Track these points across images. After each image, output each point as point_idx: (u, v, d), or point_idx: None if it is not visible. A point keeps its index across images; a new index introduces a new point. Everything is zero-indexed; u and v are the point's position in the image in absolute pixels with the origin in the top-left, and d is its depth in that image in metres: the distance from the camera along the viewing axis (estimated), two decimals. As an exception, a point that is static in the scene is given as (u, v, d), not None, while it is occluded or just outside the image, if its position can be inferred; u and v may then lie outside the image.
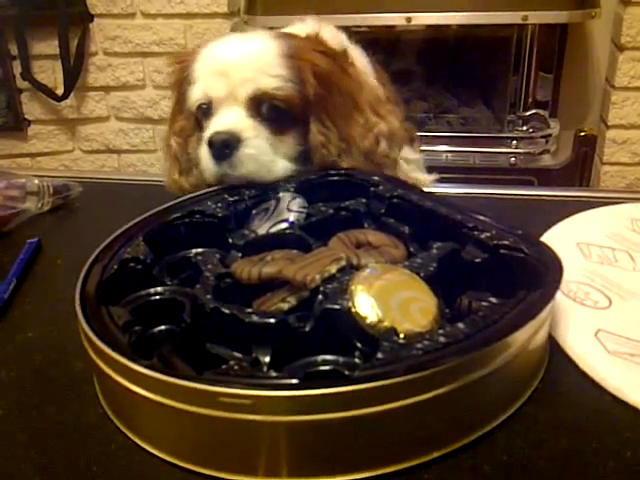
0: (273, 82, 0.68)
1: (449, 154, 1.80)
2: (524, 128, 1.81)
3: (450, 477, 0.44)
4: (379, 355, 0.45)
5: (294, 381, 0.44)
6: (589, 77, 1.89)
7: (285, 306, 0.53)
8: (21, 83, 1.96)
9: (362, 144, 0.72)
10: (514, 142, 1.80)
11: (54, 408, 0.52)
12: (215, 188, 0.70)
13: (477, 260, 0.57)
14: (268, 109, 0.69)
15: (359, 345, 0.50)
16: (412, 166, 0.88)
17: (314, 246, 0.60)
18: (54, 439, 0.49)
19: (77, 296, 0.52)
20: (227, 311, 0.52)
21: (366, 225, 0.67)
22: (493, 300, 0.52)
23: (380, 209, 0.67)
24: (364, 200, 0.69)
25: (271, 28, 0.87)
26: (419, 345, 0.45)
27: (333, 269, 0.54)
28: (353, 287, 0.51)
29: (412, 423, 0.44)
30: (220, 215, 0.66)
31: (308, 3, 1.56)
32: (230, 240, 0.64)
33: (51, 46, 1.88)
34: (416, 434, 0.45)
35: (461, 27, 1.85)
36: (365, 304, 0.49)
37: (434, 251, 0.58)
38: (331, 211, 0.68)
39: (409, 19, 1.64)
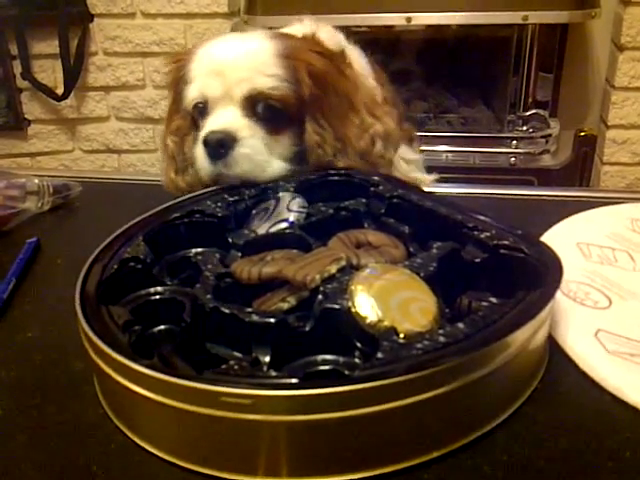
0: (269, 82, 0.69)
1: (449, 154, 1.80)
2: (524, 128, 1.81)
3: (450, 477, 0.44)
4: (379, 355, 0.45)
5: (294, 381, 0.44)
6: (589, 77, 1.89)
7: (285, 306, 0.53)
8: (21, 83, 1.96)
9: (358, 144, 0.73)
10: (514, 142, 1.80)
11: (54, 408, 0.52)
12: (215, 188, 0.70)
13: (477, 260, 0.57)
14: (263, 109, 0.70)
15: (359, 345, 0.50)
16: (412, 166, 0.88)
17: (314, 246, 0.60)
18: (54, 439, 0.49)
19: (77, 296, 0.52)
20: (227, 311, 0.52)
21: (366, 225, 0.67)
22: (493, 300, 0.52)
23: (380, 209, 0.67)
24: (364, 200, 0.69)
25: (271, 28, 0.86)
26: (419, 345, 0.45)
27: (333, 269, 0.54)
28: (353, 287, 0.51)
29: (412, 423, 0.44)
30: (220, 215, 0.66)
31: (308, 3, 1.56)
32: (230, 240, 0.64)
33: (51, 46, 1.88)
34: (416, 434, 0.45)
35: (461, 27, 1.85)
36: (365, 304, 0.49)
37: (434, 251, 0.58)
38: (331, 211, 0.68)
39: (409, 19, 1.64)
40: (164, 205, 0.67)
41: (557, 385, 0.52)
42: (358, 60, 0.82)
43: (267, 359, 0.50)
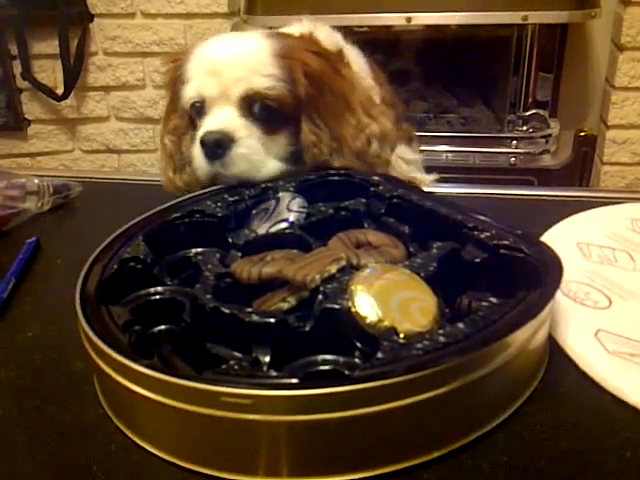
0: (265, 82, 0.69)
1: (449, 154, 1.80)
2: (524, 128, 1.81)
3: (450, 477, 0.44)
4: (379, 355, 0.45)
5: (294, 381, 0.44)
6: (589, 77, 1.89)
7: (285, 306, 0.53)
8: (21, 83, 1.96)
9: (354, 144, 0.73)
10: (514, 142, 1.80)
11: (54, 408, 0.52)
12: (215, 188, 0.70)
13: (477, 260, 0.57)
14: (260, 109, 0.70)
15: (359, 345, 0.50)
16: (411, 166, 0.88)
17: (314, 246, 0.60)
18: (54, 439, 0.49)
19: (77, 296, 0.52)
20: (227, 311, 0.52)
21: (366, 225, 0.67)
22: (493, 300, 0.52)
23: (380, 209, 0.67)
24: (364, 200, 0.69)
25: (271, 28, 0.87)
26: (419, 345, 0.45)
27: (333, 269, 0.54)
28: (353, 287, 0.51)
29: (412, 423, 0.44)
30: (220, 215, 0.66)
31: (308, 3, 1.56)
32: (230, 240, 0.64)
33: (51, 46, 1.88)
34: (416, 434, 0.45)
35: (461, 27, 1.85)
36: (365, 304, 0.49)
37: (434, 251, 0.58)
38: (331, 211, 0.68)
39: (409, 19, 1.64)
40: (164, 205, 0.67)
41: (557, 385, 0.52)
42: (356, 60, 0.82)
43: (267, 359, 0.50)
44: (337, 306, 0.50)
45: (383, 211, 0.66)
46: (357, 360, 0.50)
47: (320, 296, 0.52)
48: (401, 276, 0.53)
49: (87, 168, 2.05)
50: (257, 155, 0.70)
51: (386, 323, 0.48)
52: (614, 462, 0.45)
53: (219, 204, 0.67)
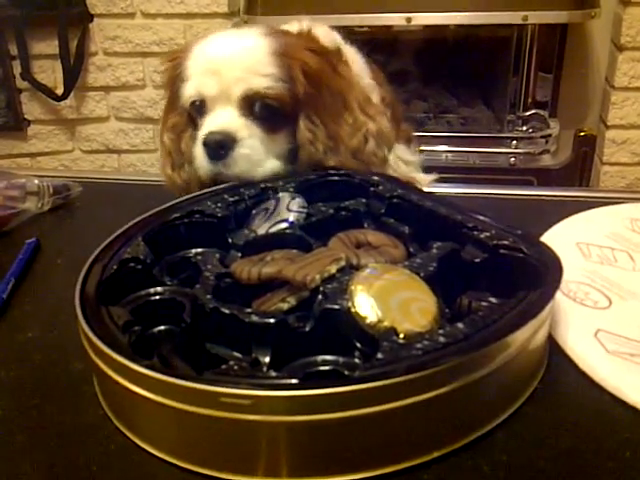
0: (264, 81, 0.69)
1: (449, 154, 1.80)
2: (524, 128, 1.81)
3: (450, 477, 0.44)
4: (379, 355, 0.45)
5: (294, 381, 0.44)
6: (589, 77, 1.89)
7: (285, 306, 0.53)
8: (21, 83, 1.95)
9: (350, 143, 0.73)
10: (514, 142, 1.80)
11: (54, 408, 0.52)
12: (215, 188, 0.70)
13: (477, 260, 0.57)
14: (260, 108, 0.70)
15: (359, 345, 0.50)
16: (410, 167, 0.88)
17: (314, 246, 0.60)
18: (54, 439, 0.49)
19: (77, 296, 0.52)
20: (227, 311, 0.52)
21: (366, 225, 0.67)
22: (493, 300, 0.52)
23: (380, 209, 0.67)
24: (364, 200, 0.69)
25: (271, 28, 0.86)
26: (419, 345, 0.45)
27: (333, 269, 0.54)
28: (353, 287, 0.51)
29: (412, 423, 0.44)
30: (220, 215, 0.66)
31: (308, 3, 1.56)
32: (230, 240, 0.64)
33: (51, 46, 1.88)
34: (416, 434, 0.45)
35: (461, 27, 1.85)
36: (365, 304, 0.49)
37: (434, 251, 0.58)
38: (331, 211, 0.68)
39: (409, 19, 1.64)
40: (164, 205, 0.67)
41: (557, 385, 0.52)
42: (355, 59, 0.82)
43: (267, 359, 0.50)
44: (337, 306, 0.50)
45: (383, 211, 0.66)
46: (357, 360, 0.49)
47: (320, 296, 0.52)
48: (401, 276, 0.53)
49: (87, 168, 2.05)
50: (258, 155, 0.70)
51: (386, 323, 0.48)
52: (614, 462, 0.44)
53: (219, 204, 0.67)
